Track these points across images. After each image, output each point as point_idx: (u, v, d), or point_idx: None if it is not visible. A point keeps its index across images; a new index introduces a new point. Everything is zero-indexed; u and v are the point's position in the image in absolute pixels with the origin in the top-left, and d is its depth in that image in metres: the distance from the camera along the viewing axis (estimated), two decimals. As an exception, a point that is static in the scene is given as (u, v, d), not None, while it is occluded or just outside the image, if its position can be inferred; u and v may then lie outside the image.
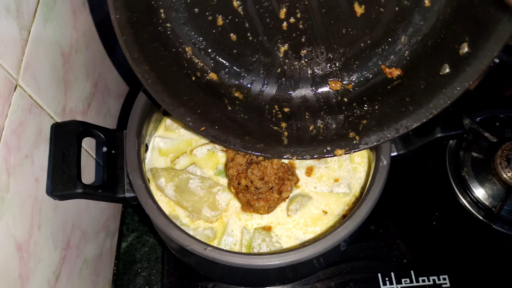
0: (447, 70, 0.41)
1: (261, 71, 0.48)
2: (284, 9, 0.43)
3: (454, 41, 0.40)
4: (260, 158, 0.49)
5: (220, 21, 0.43)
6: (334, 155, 0.46)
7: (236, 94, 0.48)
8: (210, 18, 0.43)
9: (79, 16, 0.50)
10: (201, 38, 0.45)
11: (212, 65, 0.46)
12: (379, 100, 0.46)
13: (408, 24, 0.43)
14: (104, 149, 0.46)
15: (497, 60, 0.45)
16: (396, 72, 0.45)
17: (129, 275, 0.60)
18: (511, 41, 0.38)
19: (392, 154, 0.47)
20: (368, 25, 0.44)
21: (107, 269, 0.60)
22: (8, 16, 0.36)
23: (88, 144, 0.53)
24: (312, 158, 0.46)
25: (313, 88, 0.49)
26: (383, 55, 0.46)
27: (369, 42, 0.45)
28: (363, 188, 0.51)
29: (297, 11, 0.43)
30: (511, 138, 0.64)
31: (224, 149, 0.53)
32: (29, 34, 0.39)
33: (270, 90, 0.49)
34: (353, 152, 0.45)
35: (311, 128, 0.48)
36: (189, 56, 0.45)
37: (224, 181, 0.51)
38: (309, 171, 0.52)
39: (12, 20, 0.37)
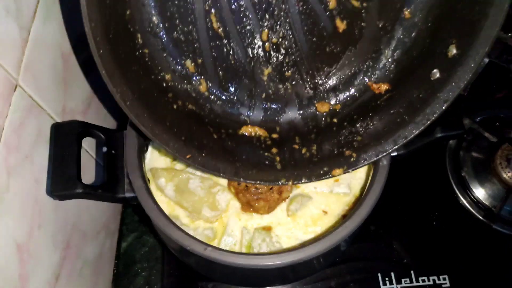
0: (438, 75, 0.40)
1: (246, 98, 0.46)
2: (266, 29, 0.42)
3: (441, 46, 0.40)
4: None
5: (200, 46, 0.41)
6: (333, 176, 0.44)
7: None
8: (189, 42, 0.41)
9: (78, 16, 0.50)
10: (180, 66, 0.43)
11: (193, 92, 0.44)
12: (371, 116, 0.45)
13: (390, 38, 0.43)
14: (104, 149, 0.46)
15: (486, 60, 0.45)
16: (384, 87, 0.44)
17: (129, 275, 0.60)
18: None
19: (392, 154, 0.47)
20: (351, 41, 0.44)
21: (107, 269, 0.60)
22: (8, 16, 0.36)
23: (88, 144, 0.53)
24: (310, 181, 0.45)
25: (300, 112, 0.47)
26: (368, 71, 0.45)
27: (353, 59, 0.45)
28: (363, 188, 0.51)
29: (280, 29, 0.42)
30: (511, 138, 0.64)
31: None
32: (29, 34, 0.39)
33: (256, 117, 0.47)
34: (353, 170, 0.44)
35: (303, 151, 0.46)
36: (169, 84, 0.42)
37: (224, 181, 0.51)
38: (309, 171, 0.52)
39: (12, 21, 0.37)
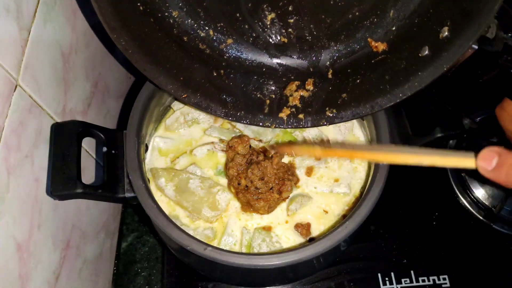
0: (426, 52, 0.41)
1: (250, 38, 0.48)
2: None
3: (437, 23, 0.41)
4: (260, 158, 0.49)
5: None
6: (309, 126, 0.47)
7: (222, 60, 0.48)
8: None
9: (79, 16, 0.50)
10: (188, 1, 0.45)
11: (200, 31, 0.47)
12: (362, 74, 0.46)
13: None
14: (104, 149, 0.46)
15: (475, 47, 0.46)
16: (381, 47, 0.46)
17: (129, 275, 0.60)
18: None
19: (392, 154, 0.47)
20: None
21: (107, 269, 0.60)
22: (8, 16, 0.36)
23: (88, 144, 0.53)
24: (288, 127, 0.48)
25: (300, 56, 0.49)
26: (371, 28, 0.46)
27: (357, 14, 0.46)
28: (363, 188, 0.51)
29: None
30: (511, 138, 0.64)
31: (224, 149, 0.53)
32: (29, 34, 0.39)
33: (257, 59, 0.49)
34: (328, 125, 0.47)
35: (291, 100, 0.48)
36: (177, 20, 0.45)
37: (224, 181, 0.51)
38: (309, 171, 0.52)
39: (12, 20, 0.37)
